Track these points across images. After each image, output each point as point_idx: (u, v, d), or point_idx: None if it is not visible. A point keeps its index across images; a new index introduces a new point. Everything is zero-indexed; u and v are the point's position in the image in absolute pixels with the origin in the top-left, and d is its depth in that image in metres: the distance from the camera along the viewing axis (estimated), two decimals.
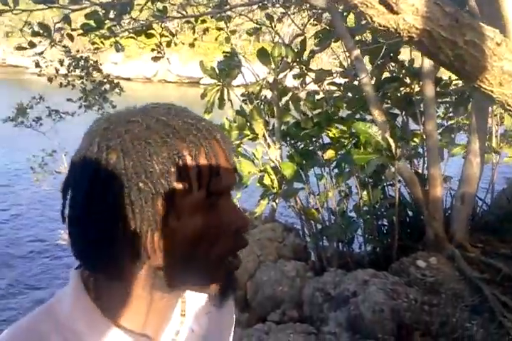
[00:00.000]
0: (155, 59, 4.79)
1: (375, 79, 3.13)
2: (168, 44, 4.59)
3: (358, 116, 3.20)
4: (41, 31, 3.40)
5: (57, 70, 5.98)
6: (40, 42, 3.62)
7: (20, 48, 3.73)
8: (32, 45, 3.59)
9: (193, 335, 0.70)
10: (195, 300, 0.71)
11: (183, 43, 4.69)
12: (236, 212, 0.60)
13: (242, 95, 3.70)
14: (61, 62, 5.76)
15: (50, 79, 5.99)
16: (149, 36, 4.24)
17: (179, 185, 0.57)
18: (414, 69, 3.04)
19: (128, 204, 0.57)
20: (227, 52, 3.75)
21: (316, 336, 2.55)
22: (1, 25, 36.68)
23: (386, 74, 3.39)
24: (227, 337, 0.78)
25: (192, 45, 4.56)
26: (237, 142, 3.35)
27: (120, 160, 0.57)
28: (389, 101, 3.27)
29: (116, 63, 25.91)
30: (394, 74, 3.17)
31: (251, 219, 4.40)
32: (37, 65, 5.85)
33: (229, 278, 0.62)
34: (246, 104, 3.54)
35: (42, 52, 5.01)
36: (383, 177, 3.16)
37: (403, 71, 3.15)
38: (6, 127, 7.18)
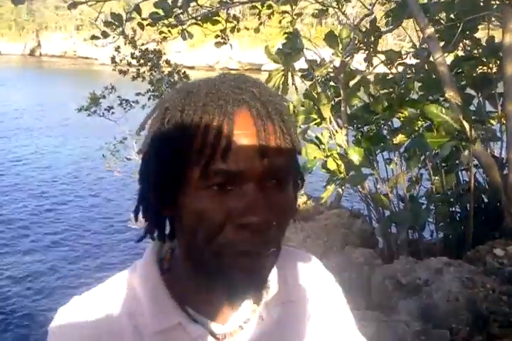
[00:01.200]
0: (218, 44, 4.80)
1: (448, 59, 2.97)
2: (232, 30, 4.59)
3: (430, 98, 3.06)
4: (113, 21, 3.53)
5: (129, 63, 6.20)
6: (115, 30, 3.75)
7: (93, 37, 3.89)
8: (105, 35, 3.73)
9: (263, 324, 0.67)
10: (272, 289, 0.68)
11: (248, 29, 4.67)
12: (248, 205, 0.53)
13: (306, 78, 3.64)
14: (132, 55, 5.96)
15: (123, 72, 6.22)
16: (214, 23, 4.26)
17: (179, 158, 0.55)
18: (493, 47, 2.85)
19: (152, 171, 0.58)
20: (289, 33, 3.68)
21: (386, 324, 2.50)
22: (72, 18, 38.49)
23: (461, 54, 3.21)
24: (304, 330, 0.73)
25: (257, 30, 4.54)
26: (304, 126, 3.31)
27: (160, 125, 0.58)
28: (463, 82, 3.10)
29: (179, 52, 26.49)
30: (469, 53, 3.00)
31: (316, 205, 4.37)
32: (113, 60, 6.08)
33: (240, 280, 0.56)
34: (312, 86, 3.49)
35: (118, 47, 5.21)
36: (457, 162, 3.02)
37: (479, 50, 2.97)
38: (78, 116, 7.56)
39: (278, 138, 0.55)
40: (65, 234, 8.48)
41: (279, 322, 0.69)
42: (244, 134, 0.53)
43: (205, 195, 0.54)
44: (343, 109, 3.50)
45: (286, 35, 3.61)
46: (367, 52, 3.25)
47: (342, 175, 3.22)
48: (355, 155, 2.88)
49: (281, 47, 3.59)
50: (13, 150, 13.43)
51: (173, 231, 0.64)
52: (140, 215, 0.64)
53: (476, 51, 3.05)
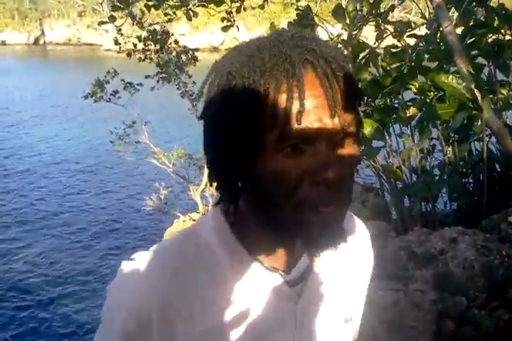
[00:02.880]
0: (225, 28, 4.74)
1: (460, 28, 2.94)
2: (238, 10, 4.53)
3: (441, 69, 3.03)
4: (120, 5, 3.50)
5: (134, 45, 6.17)
6: (123, 11, 3.75)
7: (101, 23, 3.88)
8: (113, 19, 3.71)
9: (320, 276, 0.71)
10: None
11: (253, 8, 4.63)
12: (322, 163, 0.56)
13: None
14: (139, 38, 5.92)
15: (129, 55, 6.19)
16: (219, 4, 4.20)
17: (251, 124, 0.56)
18: (506, 14, 2.80)
19: (222, 138, 0.59)
20: (300, 10, 3.64)
21: (404, 293, 2.54)
22: (74, 5, 38.20)
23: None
24: (357, 282, 0.79)
25: (262, 6, 4.48)
26: None
27: (216, 91, 0.59)
28: (474, 51, 3.06)
29: (183, 34, 26.29)
30: (481, 21, 2.95)
31: None
32: (116, 42, 6.04)
33: (319, 233, 0.60)
34: None
35: (120, 29, 5.18)
36: (470, 132, 3.01)
37: (492, 17, 2.92)
38: (88, 103, 7.59)
39: (344, 94, 0.57)
40: (79, 218, 8.60)
41: (331, 275, 0.73)
42: (313, 95, 0.55)
43: (281, 156, 0.56)
44: None
45: (296, 12, 3.56)
46: (375, 24, 3.22)
47: None
48: (368, 128, 2.88)
49: (288, 24, 3.56)
50: (22, 139, 13.53)
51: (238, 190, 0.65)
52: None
53: (489, 19, 2.99)
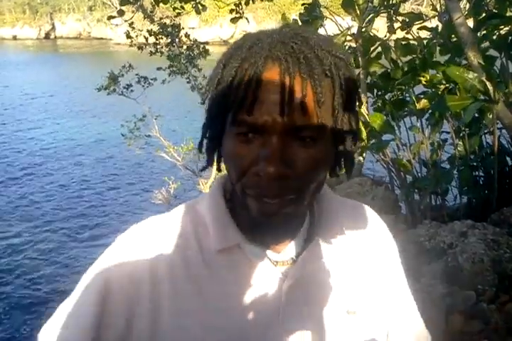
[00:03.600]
0: (234, 20, 4.75)
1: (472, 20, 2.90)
2: (247, 2, 4.52)
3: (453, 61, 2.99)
4: None
5: (146, 39, 6.21)
6: (133, 5, 3.75)
7: (110, 17, 3.90)
8: (121, 13, 3.72)
9: (313, 261, 0.70)
10: (322, 232, 0.72)
11: (262, 0, 4.61)
12: (264, 156, 0.57)
13: None
14: (150, 32, 5.96)
15: (140, 48, 6.23)
16: None
17: (219, 108, 0.62)
18: None
19: (206, 117, 0.66)
20: (308, 4, 3.63)
21: (412, 287, 2.54)
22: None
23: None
24: (367, 274, 0.76)
25: None
26: None
27: (211, 78, 0.65)
28: (487, 44, 3.03)
29: (193, 28, 26.27)
30: (494, 12, 2.91)
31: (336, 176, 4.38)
32: (128, 35, 6.08)
33: (260, 217, 0.62)
34: None
35: (132, 22, 5.21)
36: (481, 125, 2.98)
37: (504, 8, 2.88)
38: (99, 96, 7.62)
39: (305, 96, 0.56)
40: (89, 211, 8.67)
41: (327, 261, 0.72)
42: (270, 90, 0.56)
43: (235, 141, 0.60)
44: (361, 76, 3.46)
45: (304, 6, 3.55)
46: (387, 16, 3.19)
47: (363, 143, 3.21)
48: (377, 122, 2.87)
49: (299, 15, 3.55)
50: (32, 133, 13.64)
51: None
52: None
53: (503, 10, 2.94)
